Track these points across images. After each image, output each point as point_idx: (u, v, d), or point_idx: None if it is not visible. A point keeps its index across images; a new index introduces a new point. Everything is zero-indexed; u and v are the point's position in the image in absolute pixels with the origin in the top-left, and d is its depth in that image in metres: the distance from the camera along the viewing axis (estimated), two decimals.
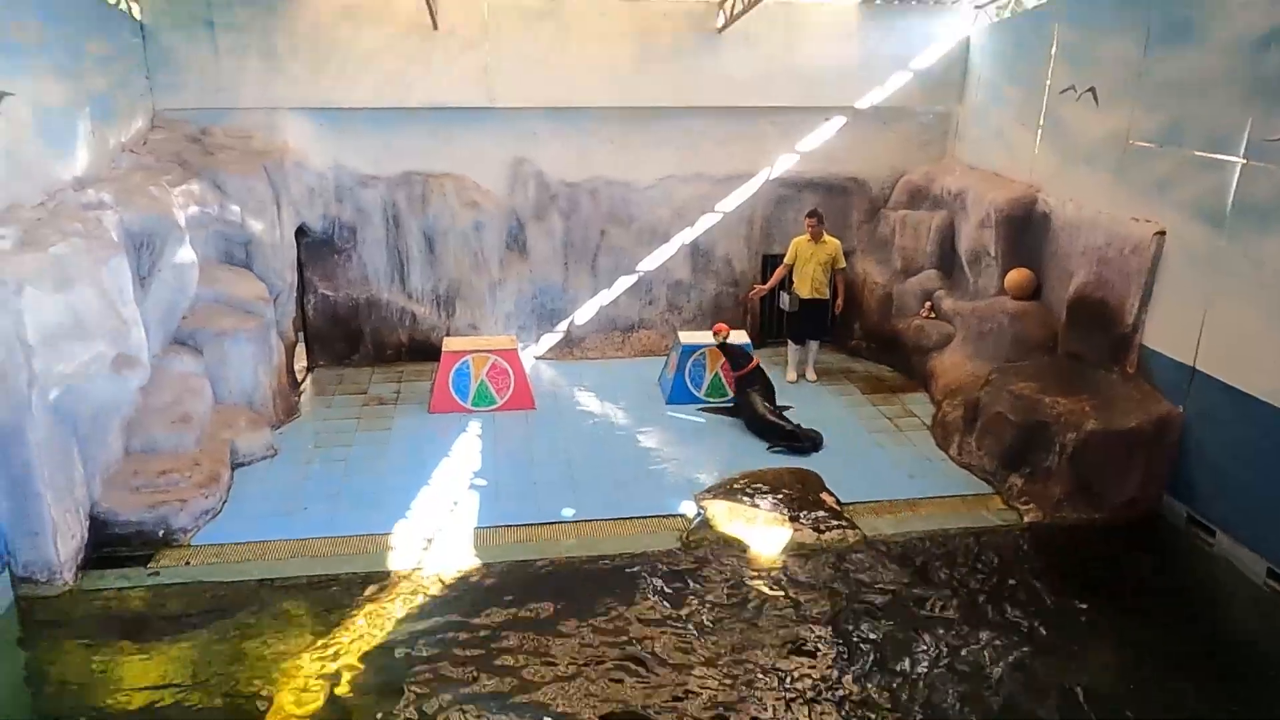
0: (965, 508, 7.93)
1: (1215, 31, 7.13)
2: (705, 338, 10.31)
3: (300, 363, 11.02)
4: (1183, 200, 7.49)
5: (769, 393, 9.74)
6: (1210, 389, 7.15)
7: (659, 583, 6.71)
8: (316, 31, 9.96)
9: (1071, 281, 8.75)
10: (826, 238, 10.56)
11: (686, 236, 11.86)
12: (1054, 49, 9.33)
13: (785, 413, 9.51)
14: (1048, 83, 9.44)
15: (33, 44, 7.16)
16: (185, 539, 7.12)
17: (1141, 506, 7.68)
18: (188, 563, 6.86)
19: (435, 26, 10.02)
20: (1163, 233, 7.69)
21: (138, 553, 6.91)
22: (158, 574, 6.71)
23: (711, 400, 10.13)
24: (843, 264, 10.71)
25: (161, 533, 7.06)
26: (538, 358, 11.72)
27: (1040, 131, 9.62)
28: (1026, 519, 7.67)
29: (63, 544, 6.38)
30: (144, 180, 8.22)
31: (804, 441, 8.97)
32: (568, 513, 7.72)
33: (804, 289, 10.62)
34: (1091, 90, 8.70)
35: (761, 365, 9.93)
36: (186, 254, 8.17)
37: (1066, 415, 7.74)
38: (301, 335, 11.12)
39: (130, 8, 9.49)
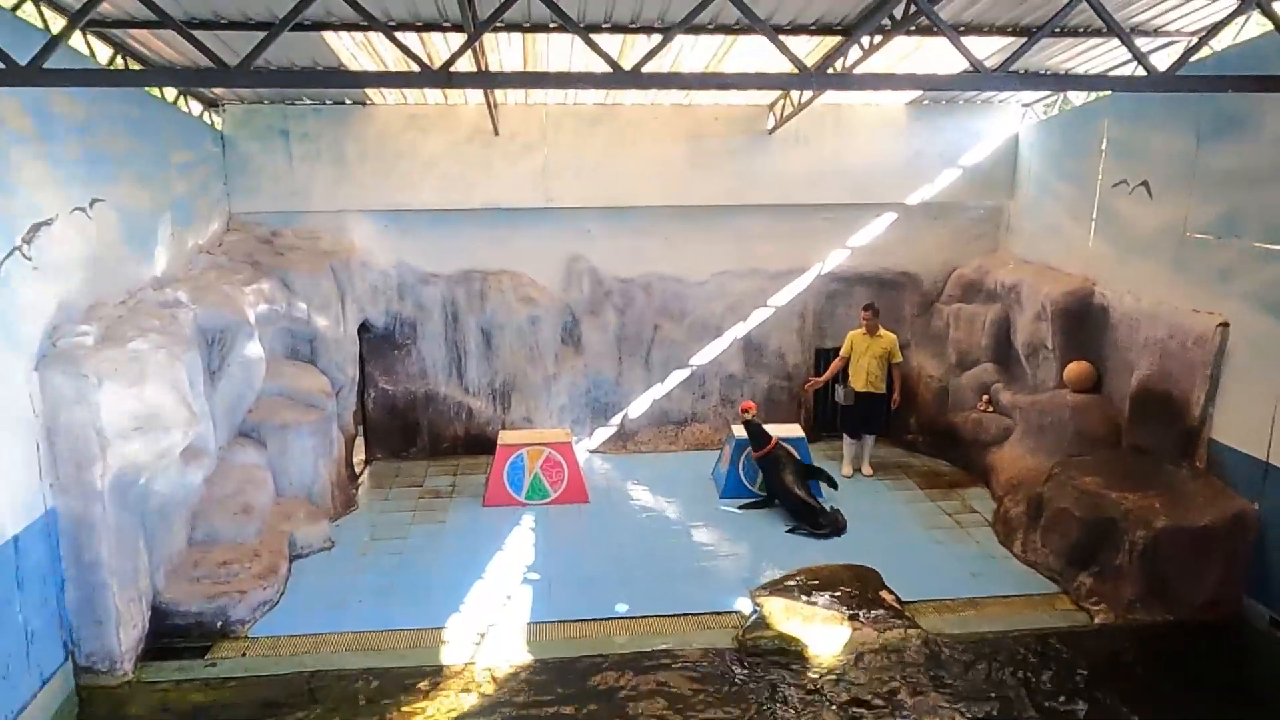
0: (1031, 608, 7.64)
1: (1268, 124, 7.14)
2: None
3: (359, 455, 11.21)
4: (1245, 291, 7.38)
5: (799, 472, 9.65)
6: None
7: (714, 683, 6.55)
8: (383, 139, 10.47)
9: (1134, 374, 8.59)
10: (882, 331, 10.56)
11: (739, 330, 11.96)
12: (1104, 145, 9.39)
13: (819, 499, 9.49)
14: (1099, 177, 9.47)
15: (123, 153, 7.64)
16: (243, 630, 7.17)
17: (1220, 608, 7.33)
18: (244, 654, 6.89)
19: (496, 132, 10.47)
20: (1226, 324, 7.56)
21: (196, 644, 6.97)
22: (214, 665, 6.74)
23: (759, 494, 10.03)
24: (899, 358, 10.65)
25: (220, 624, 7.12)
26: (591, 451, 11.76)
27: (1094, 225, 9.61)
28: (1097, 620, 7.36)
29: (125, 634, 6.47)
30: (217, 279, 8.59)
31: (824, 523, 8.92)
32: (621, 608, 7.62)
33: (859, 382, 10.57)
34: (1144, 184, 8.71)
35: (785, 444, 9.81)
36: (254, 349, 8.47)
37: (1135, 511, 7.50)
38: (361, 429, 11.34)
39: (212, 119, 10.10)
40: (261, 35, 5.28)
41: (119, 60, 7.96)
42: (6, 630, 5.58)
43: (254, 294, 8.81)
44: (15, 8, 6.39)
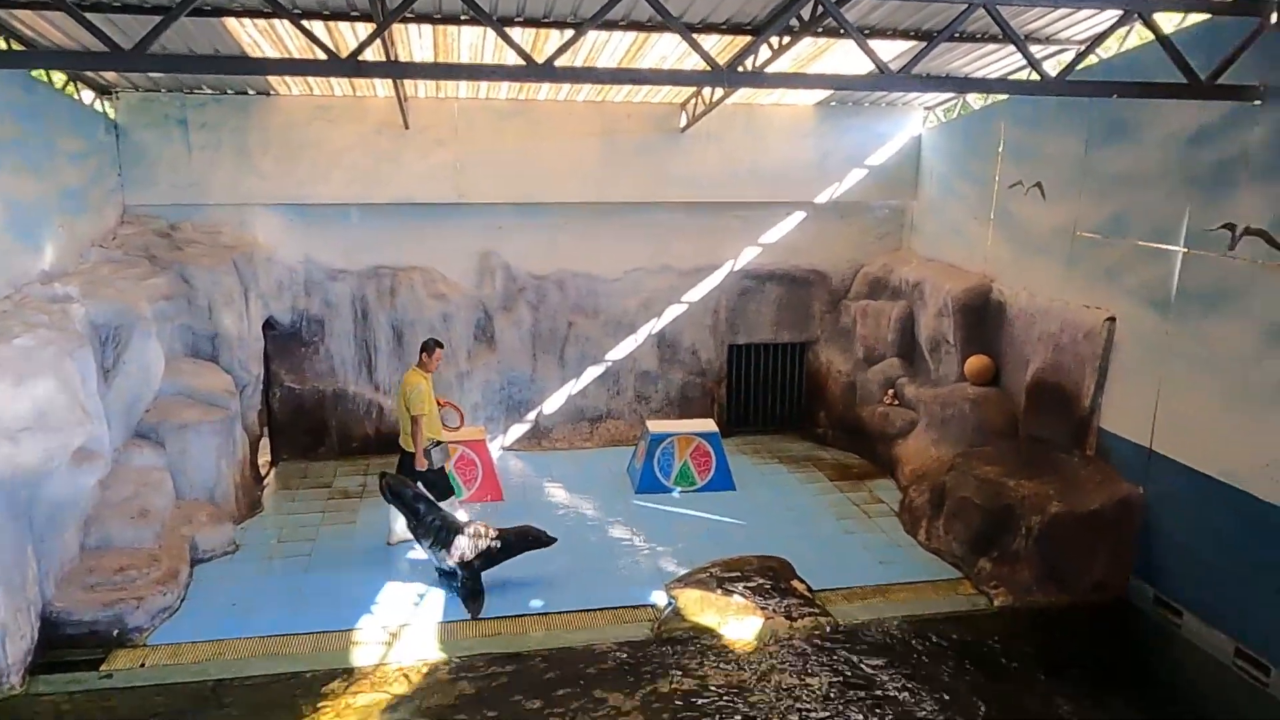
0: (936, 593, 7.92)
1: (1151, 130, 7.54)
2: (674, 426, 10.36)
3: (265, 457, 10.88)
4: (1131, 288, 7.79)
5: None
6: (1168, 470, 7.31)
7: (629, 675, 6.59)
8: (289, 130, 10.18)
9: (1029, 367, 8.98)
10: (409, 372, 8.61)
11: (653, 327, 12.03)
12: (1001, 147, 9.78)
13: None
14: (997, 178, 9.86)
15: (6, 140, 7.25)
16: (141, 639, 6.88)
17: (1110, 589, 7.72)
18: (143, 664, 6.61)
19: (406, 125, 10.29)
20: (1113, 319, 7.97)
21: (91, 654, 6.65)
22: (110, 676, 6.46)
23: (684, 487, 10.13)
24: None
25: (116, 632, 6.82)
26: (505, 448, 11.67)
27: (992, 224, 10.00)
28: (997, 603, 7.67)
29: (12, 645, 6.14)
30: (111, 274, 8.24)
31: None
32: (536, 604, 7.60)
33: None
34: (1039, 185, 9.10)
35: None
36: (152, 347, 8.14)
37: (1031, 498, 7.84)
38: (266, 429, 11.01)
39: (104, 107, 9.66)
40: (158, 19, 5.09)
41: (1, 42, 7.54)
42: None
43: (151, 289, 8.48)
44: None
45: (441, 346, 8.65)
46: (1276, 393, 6.29)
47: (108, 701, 6.22)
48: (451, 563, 7.68)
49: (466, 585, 7.66)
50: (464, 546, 7.66)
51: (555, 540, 8.04)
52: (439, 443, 8.60)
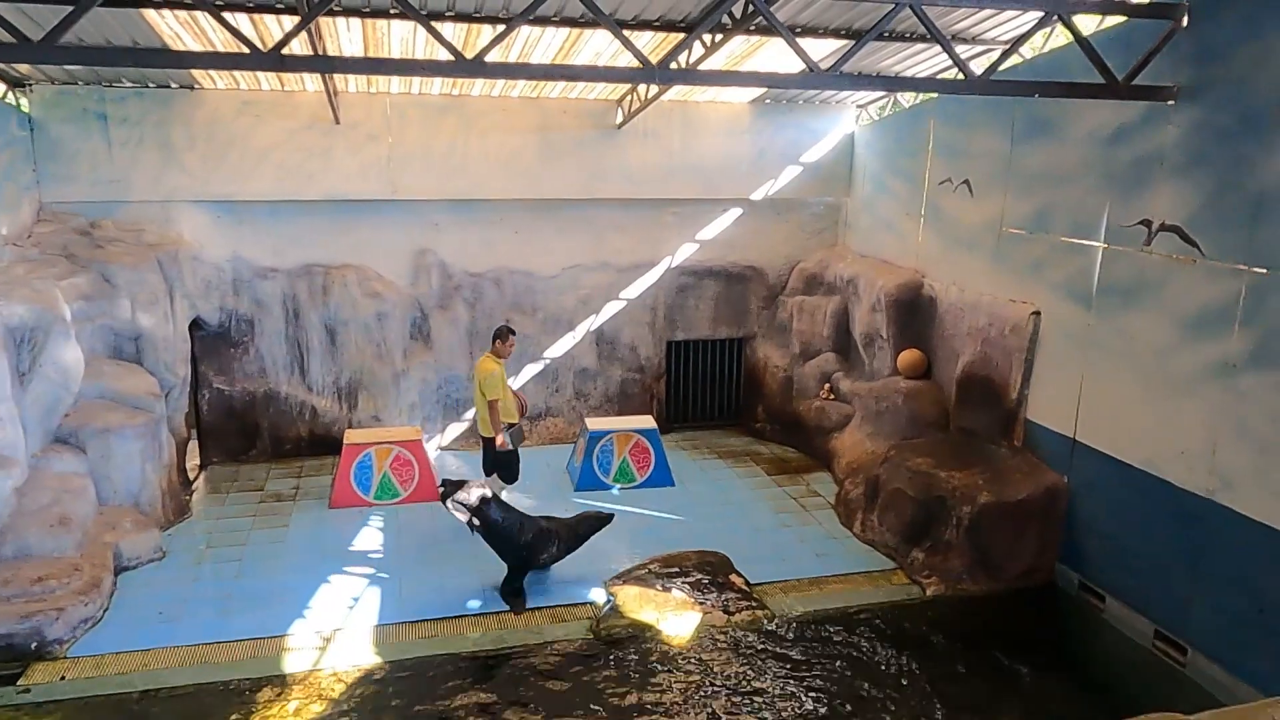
0: (870, 584, 8.06)
1: (1072, 129, 7.76)
2: (613, 423, 10.36)
3: (193, 460, 10.60)
4: (1054, 282, 8.01)
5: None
6: (1091, 459, 7.53)
7: (569, 674, 6.57)
8: (214, 125, 9.91)
9: (959, 361, 9.17)
10: (484, 358, 8.88)
11: (592, 324, 12.00)
12: (931, 144, 9.97)
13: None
14: (927, 175, 10.05)
15: None
16: (61, 651, 6.66)
17: (1037, 575, 7.94)
18: (63, 677, 6.39)
19: (337, 120, 10.09)
20: (1038, 313, 8.18)
21: (8, 669, 6.41)
22: (29, 691, 6.23)
23: (623, 483, 10.15)
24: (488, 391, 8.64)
25: (34, 645, 6.58)
26: (443, 448, 11.55)
27: (923, 220, 10.19)
28: (929, 592, 7.83)
29: None
30: (26, 273, 7.94)
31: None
32: (473, 605, 7.54)
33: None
34: (966, 182, 9.30)
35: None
36: (70, 349, 7.87)
37: (961, 489, 8.02)
38: (194, 431, 10.73)
39: (18, 100, 9.29)
40: (69, 9, 4.91)
41: None
42: None
43: (69, 289, 8.19)
44: None
45: (514, 333, 8.97)
46: (1191, 383, 6.53)
47: (28, 717, 5.99)
48: (545, 558, 7.89)
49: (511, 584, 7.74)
50: (549, 543, 7.85)
51: (613, 517, 8.35)
52: (513, 425, 8.85)
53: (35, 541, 7.16)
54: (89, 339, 8.59)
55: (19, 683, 6.30)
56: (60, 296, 7.88)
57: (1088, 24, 7.82)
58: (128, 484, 8.37)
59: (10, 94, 9.22)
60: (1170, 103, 6.62)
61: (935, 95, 9.78)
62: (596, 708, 6.19)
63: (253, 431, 11.04)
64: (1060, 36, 8.46)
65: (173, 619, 7.19)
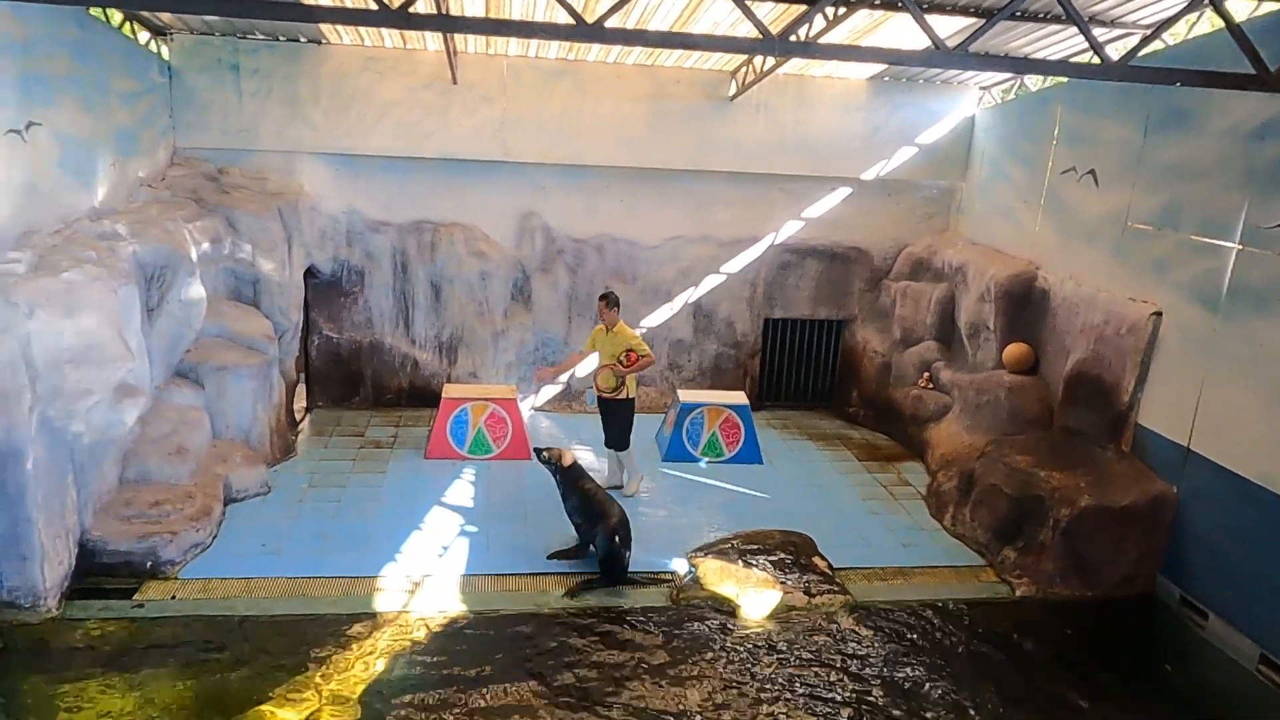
0: (957, 578, 7.88)
1: (1212, 121, 7.32)
2: (705, 396, 10.36)
3: (300, 403, 11.06)
4: (1180, 282, 7.61)
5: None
6: (1204, 470, 7.18)
7: (645, 639, 6.65)
8: (338, 79, 10.22)
9: (1069, 358, 8.83)
10: (620, 326, 8.88)
11: (690, 296, 11.99)
12: (1056, 131, 9.55)
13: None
14: (1049, 163, 9.65)
15: (62, 77, 7.35)
16: (173, 572, 7.08)
17: (1135, 586, 7.64)
18: (174, 596, 6.80)
19: (454, 80, 10.28)
20: (1159, 313, 7.80)
21: (124, 583, 6.86)
22: (142, 606, 6.65)
23: (711, 457, 10.15)
24: (644, 350, 8.74)
25: (149, 564, 7.02)
26: (536, 409, 11.76)
27: (1041, 210, 9.80)
28: (1018, 593, 7.62)
29: (49, 570, 6.35)
30: (159, 214, 8.36)
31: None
32: (555, 565, 7.68)
33: (597, 385, 9.06)
34: (1092, 172, 8.89)
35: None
36: (195, 288, 8.27)
37: (1061, 490, 7.75)
38: (303, 375, 11.19)
39: (159, 48, 9.76)
40: None
41: None
42: None
43: (197, 231, 8.59)
44: None
45: (604, 300, 8.85)
46: None
47: (140, 630, 6.40)
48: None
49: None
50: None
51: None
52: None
53: (155, 467, 7.60)
54: (212, 280, 9.02)
55: (134, 598, 6.73)
56: (189, 238, 8.28)
57: (1240, 10, 7.34)
58: (239, 420, 8.80)
59: (153, 41, 9.68)
60: None
61: (1065, 80, 9.35)
62: (672, 673, 6.25)
63: (357, 379, 11.46)
64: (1205, 24, 7.99)
65: (275, 551, 7.55)
